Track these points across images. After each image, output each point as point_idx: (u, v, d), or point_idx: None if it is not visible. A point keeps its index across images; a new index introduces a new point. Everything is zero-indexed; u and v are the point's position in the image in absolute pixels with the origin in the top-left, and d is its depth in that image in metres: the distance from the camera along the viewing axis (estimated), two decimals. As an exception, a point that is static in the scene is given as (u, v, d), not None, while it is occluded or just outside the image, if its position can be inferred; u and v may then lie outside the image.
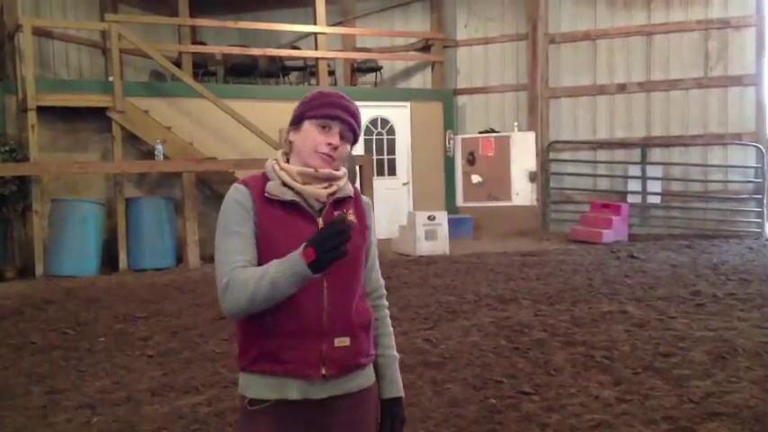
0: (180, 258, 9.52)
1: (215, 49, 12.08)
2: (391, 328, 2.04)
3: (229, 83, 12.33)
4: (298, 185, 1.82)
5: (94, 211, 9.05)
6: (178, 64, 10.89)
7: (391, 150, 12.41)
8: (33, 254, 8.83)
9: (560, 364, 4.70)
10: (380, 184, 11.66)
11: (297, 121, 1.88)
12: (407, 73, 13.64)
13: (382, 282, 2.05)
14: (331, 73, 12.53)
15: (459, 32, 13.18)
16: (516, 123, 12.51)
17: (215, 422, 3.89)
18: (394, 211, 11.40)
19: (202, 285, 7.92)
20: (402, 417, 1.99)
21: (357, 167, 9.97)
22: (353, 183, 8.26)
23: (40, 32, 9.89)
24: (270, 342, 1.78)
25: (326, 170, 1.84)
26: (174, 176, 9.94)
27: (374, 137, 12.29)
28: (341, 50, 12.96)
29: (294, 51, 12.58)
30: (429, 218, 10.05)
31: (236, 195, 1.82)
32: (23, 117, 9.03)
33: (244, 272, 1.72)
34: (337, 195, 1.87)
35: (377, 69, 13.17)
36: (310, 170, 1.83)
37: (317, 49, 11.96)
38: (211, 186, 10.21)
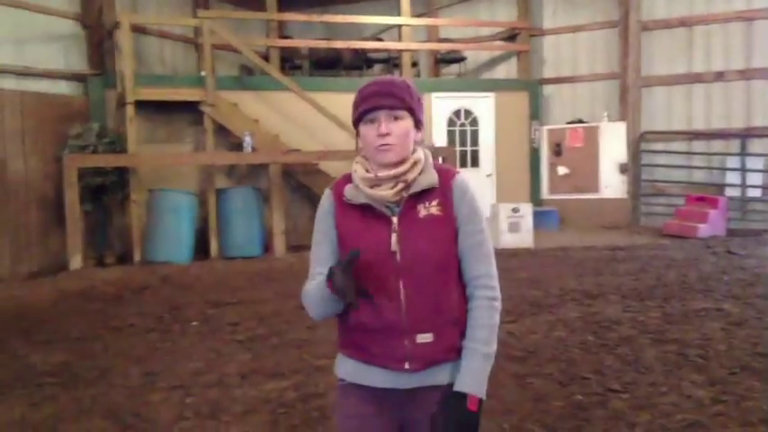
0: (267, 247, 9.77)
1: (301, 42, 12.29)
2: (485, 320, 1.85)
3: (315, 76, 12.52)
4: (366, 190, 1.85)
5: (188, 200, 9.38)
6: (266, 58, 11.15)
7: (474, 142, 12.29)
8: (131, 241, 9.27)
9: (651, 361, 4.53)
10: (463, 175, 11.53)
11: (356, 130, 1.91)
12: (492, 63, 13.46)
13: (486, 271, 1.88)
14: (414, 64, 12.51)
15: (547, 21, 12.89)
16: (606, 113, 12.13)
17: (300, 407, 3.97)
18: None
19: (287, 275, 8.09)
20: (454, 416, 1.77)
21: (440, 159, 9.93)
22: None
23: (137, 29, 10.33)
24: (359, 336, 1.88)
25: (385, 173, 1.83)
26: (262, 168, 10.20)
27: (457, 128, 12.20)
28: (424, 42, 12.92)
29: (377, 43, 12.63)
30: (513, 210, 9.90)
31: (323, 201, 1.94)
32: (122, 111, 9.46)
33: (307, 286, 1.90)
34: (413, 190, 1.84)
35: (461, 60, 13.06)
36: (370, 175, 1.85)
37: (400, 40, 11.97)
38: (296, 177, 10.42)
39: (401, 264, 1.80)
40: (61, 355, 5.09)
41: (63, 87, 9.60)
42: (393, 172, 1.82)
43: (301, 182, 10.41)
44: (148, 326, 5.94)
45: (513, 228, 9.85)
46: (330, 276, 1.71)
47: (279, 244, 9.51)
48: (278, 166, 9.79)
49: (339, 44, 11.83)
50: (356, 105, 1.87)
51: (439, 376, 1.85)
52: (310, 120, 10.33)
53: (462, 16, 13.21)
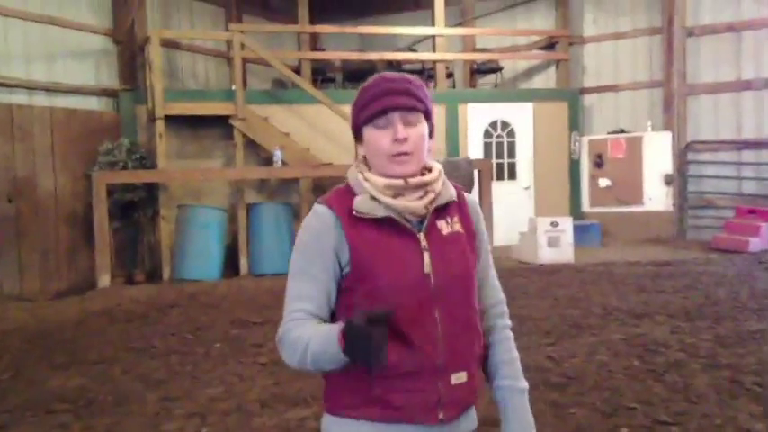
0: (297, 264, 9.56)
1: (332, 55, 12.17)
2: (514, 353, 1.68)
3: (347, 88, 12.37)
4: (388, 200, 1.52)
5: (217, 216, 9.28)
6: (298, 71, 11.03)
7: (512, 154, 11.95)
8: (161, 258, 9.17)
9: (702, 389, 4.19)
10: (500, 188, 11.25)
11: (357, 134, 1.60)
12: (529, 73, 13.13)
13: (502, 296, 1.71)
14: (449, 75, 12.26)
15: (587, 28, 12.55)
16: (650, 123, 11.70)
17: (321, 438, 3.72)
18: (514, 216, 10.95)
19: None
20: None
21: (475, 172, 9.63)
22: (471, 189, 7.83)
23: (169, 44, 10.32)
24: (377, 384, 1.49)
25: (417, 179, 1.54)
26: (292, 182, 10.04)
27: (494, 140, 11.88)
28: (460, 52, 12.67)
29: (411, 55, 12.43)
30: (552, 224, 9.55)
31: (315, 222, 1.56)
32: (153, 126, 9.41)
33: (296, 330, 1.49)
34: (438, 203, 1.56)
35: (497, 70, 12.77)
36: (399, 182, 1.53)
37: (434, 51, 11.74)
38: (327, 192, 10.25)
39: (435, 289, 1.51)
40: (78, 379, 4.94)
41: (93, 103, 9.62)
42: (426, 178, 1.55)
43: (333, 196, 10.22)
44: (170, 347, 5.77)
45: (553, 242, 9.49)
46: (351, 332, 1.34)
47: (309, 260, 9.30)
48: (308, 181, 9.63)
49: (372, 56, 11.67)
50: (362, 105, 1.55)
51: (465, 424, 1.58)
52: (342, 133, 10.15)
53: (499, 25, 12.93)
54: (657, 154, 11.44)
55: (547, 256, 9.41)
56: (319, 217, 1.56)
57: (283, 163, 9.56)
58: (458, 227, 1.59)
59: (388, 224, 1.52)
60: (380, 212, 1.51)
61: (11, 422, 4.14)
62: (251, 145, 9.93)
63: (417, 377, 1.48)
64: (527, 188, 11.90)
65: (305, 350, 1.45)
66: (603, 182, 11.82)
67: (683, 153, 11.48)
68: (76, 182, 9.02)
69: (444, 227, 1.56)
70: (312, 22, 11.72)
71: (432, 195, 1.55)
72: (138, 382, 4.88)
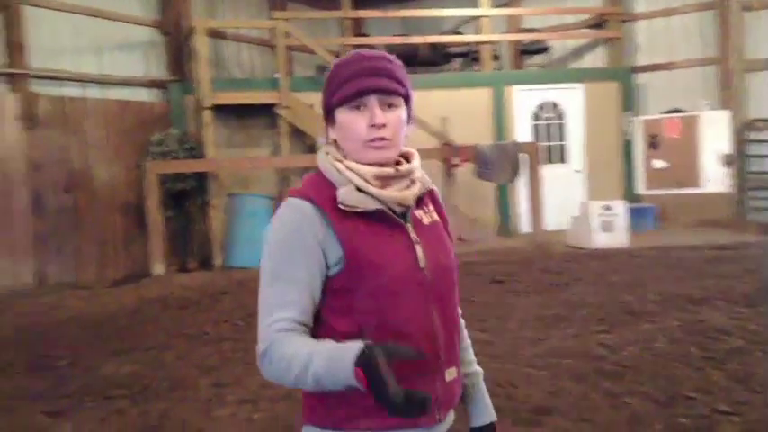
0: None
1: (376, 40, 12.07)
2: (469, 340, 1.66)
3: (392, 73, 12.27)
4: (376, 191, 1.41)
5: (265, 204, 9.34)
6: (342, 57, 10.98)
7: (562, 136, 11.69)
8: (212, 246, 9.30)
9: (765, 378, 4.01)
10: (551, 171, 11.03)
11: (328, 116, 1.48)
12: (579, 52, 12.79)
13: None
14: (495, 57, 12.04)
15: (638, 4, 12.13)
16: (707, 102, 11.28)
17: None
18: (566, 200, 10.72)
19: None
20: None
21: (524, 156, 9.45)
22: (517, 174, 7.63)
23: (214, 34, 10.40)
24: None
25: (406, 166, 1.46)
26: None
27: (543, 122, 11.64)
28: (506, 33, 12.43)
29: (456, 37, 12.25)
30: (605, 207, 9.31)
31: (293, 216, 1.40)
32: (202, 116, 9.51)
33: (286, 345, 1.32)
34: (421, 192, 1.50)
35: (545, 50, 12.48)
36: (390, 170, 1.43)
37: (480, 33, 11.54)
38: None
39: (430, 283, 1.43)
40: (133, 366, 5.05)
41: (143, 94, 9.77)
42: (413, 166, 1.48)
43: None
44: (222, 334, 5.85)
45: (606, 227, 9.26)
46: (368, 364, 1.21)
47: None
48: (355, 167, 9.59)
49: (415, 39, 11.54)
50: (338, 84, 1.42)
51: (449, 420, 1.52)
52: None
53: (546, 4, 12.62)
54: (715, 133, 11.04)
55: (600, 240, 9.19)
56: (297, 210, 1.40)
57: (329, 150, 9.56)
58: (435, 215, 1.53)
59: (377, 217, 1.41)
60: (371, 205, 1.39)
61: (69, 408, 4.25)
62: (297, 133, 9.95)
63: (420, 379, 1.37)
64: (578, 171, 11.64)
65: (304, 370, 1.29)
66: (659, 163, 11.48)
67: (742, 132, 11.05)
68: (130, 172, 9.20)
69: (424, 216, 1.50)
70: (355, 7, 11.65)
71: (418, 185, 1.48)
72: (192, 368, 4.95)
